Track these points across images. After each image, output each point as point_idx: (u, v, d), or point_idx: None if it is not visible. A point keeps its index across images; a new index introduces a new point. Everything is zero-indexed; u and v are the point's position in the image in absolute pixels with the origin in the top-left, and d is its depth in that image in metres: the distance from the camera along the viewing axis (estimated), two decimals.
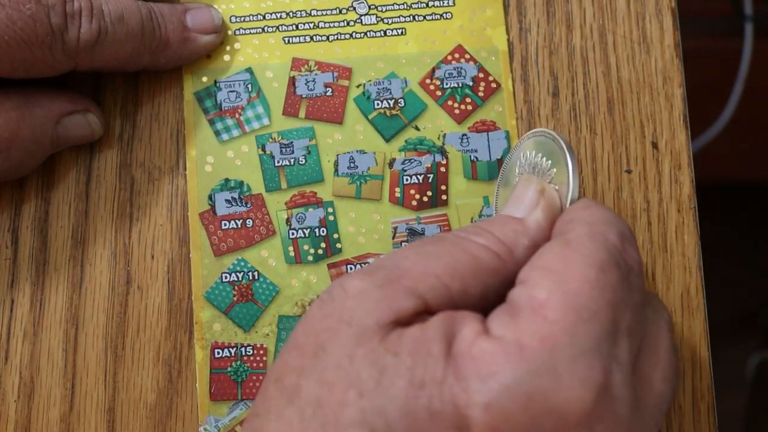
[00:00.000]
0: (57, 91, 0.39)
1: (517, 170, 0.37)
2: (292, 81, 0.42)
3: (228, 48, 0.42)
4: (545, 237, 0.32)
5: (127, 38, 0.37)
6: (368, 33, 0.42)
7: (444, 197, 0.41)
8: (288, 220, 0.41)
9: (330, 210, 0.41)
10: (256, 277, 0.40)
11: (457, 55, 0.42)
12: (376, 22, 0.42)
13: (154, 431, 0.39)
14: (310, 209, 0.41)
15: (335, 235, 0.41)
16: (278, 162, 0.41)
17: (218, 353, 0.39)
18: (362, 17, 0.42)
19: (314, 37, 0.42)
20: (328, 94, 0.42)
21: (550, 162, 0.35)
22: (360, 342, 0.28)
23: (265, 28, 0.42)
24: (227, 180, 0.41)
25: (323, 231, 0.41)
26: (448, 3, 0.43)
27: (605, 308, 0.28)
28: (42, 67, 0.36)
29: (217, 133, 0.41)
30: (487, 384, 0.26)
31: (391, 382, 0.27)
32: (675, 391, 0.30)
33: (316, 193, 0.41)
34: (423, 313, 0.29)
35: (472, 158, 0.41)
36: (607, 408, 0.27)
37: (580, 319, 0.27)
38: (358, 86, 0.42)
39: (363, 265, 0.40)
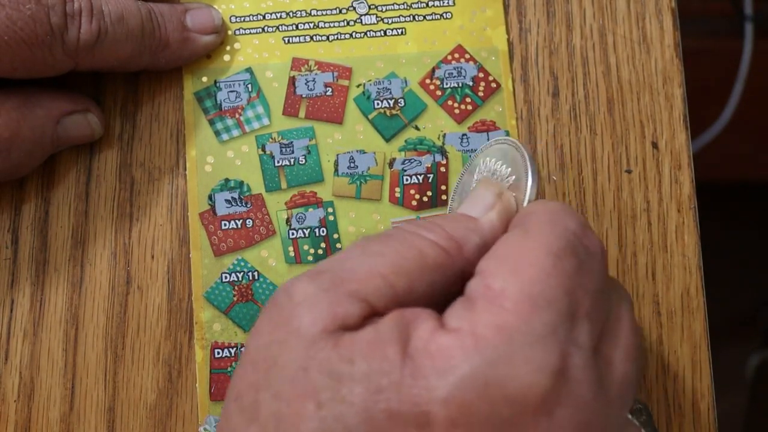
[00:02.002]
0: (57, 91, 0.39)
1: (475, 176, 0.37)
2: (292, 81, 0.42)
3: (228, 48, 0.42)
4: (497, 238, 0.31)
5: (127, 38, 0.37)
6: (368, 33, 0.42)
7: (444, 197, 0.41)
8: (288, 220, 0.41)
9: (330, 210, 0.41)
10: (256, 277, 0.40)
11: (457, 55, 0.42)
12: (376, 21, 0.42)
13: (154, 431, 0.39)
14: (310, 209, 0.41)
15: (335, 235, 0.41)
16: (278, 162, 0.41)
17: (218, 353, 0.39)
18: (362, 17, 0.42)
19: (314, 37, 0.42)
20: (328, 93, 0.42)
21: (509, 170, 0.35)
22: (311, 351, 0.27)
23: (265, 28, 0.42)
24: (227, 180, 0.41)
25: (323, 231, 0.41)
26: (448, 3, 0.43)
27: (562, 294, 0.28)
28: (42, 67, 0.36)
29: (217, 133, 0.41)
30: (444, 378, 0.26)
31: (348, 390, 0.27)
32: (641, 370, 0.30)
33: (316, 193, 0.41)
34: (371, 315, 0.29)
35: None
36: (567, 392, 0.27)
37: (536, 306, 0.27)
38: (358, 86, 0.42)
39: None
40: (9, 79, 0.36)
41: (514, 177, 0.34)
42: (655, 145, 0.41)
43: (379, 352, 0.27)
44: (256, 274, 0.40)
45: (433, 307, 0.29)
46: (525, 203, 0.33)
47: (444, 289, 0.30)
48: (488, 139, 0.41)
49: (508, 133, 0.41)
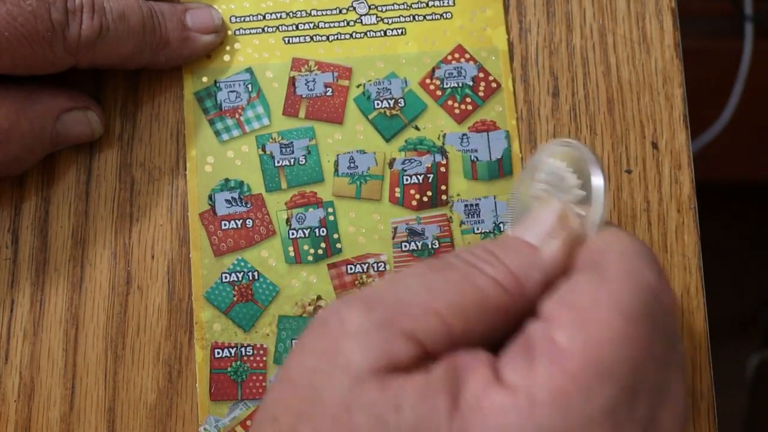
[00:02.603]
0: (57, 88, 0.39)
1: (541, 175, 0.33)
2: (292, 81, 0.42)
3: (228, 48, 0.42)
4: (560, 271, 0.29)
5: (128, 36, 0.37)
6: (368, 33, 0.42)
7: (444, 197, 0.41)
8: (288, 220, 0.41)
9: (330, 210, 0.41)
10: (256, 277, 0.40)
11: (457, 55, 0.42)
12: (376, 22, 0.42)
13: (154, 431, 0.39)
14: (310, 209, 0.41)
15: (335, 235, 0.41)
16: (278, 162, 0.41)
17: (218, 353, 0.39)
18: (362, 17, 0.42)
19: (314, 37, 0.42)
20: (328, 94, 0.42)
21: (576, 178, 0.31)
22: (357, 390, 0.26)
23: (265, 28, 0.42)
24: (227, 180, 0.41)
25: (323, 231, 0.41)
26: (448, 3, 0.43)
27: (628, 366, 0.26)
28: (42, 63, 0.36)
29: (217, 133, 0.41)
30: None
31: None
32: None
33: (316, 193, 0.41)
34: (423, 356, 0.27)
35: (472, 158, 0.41)
36: None
37: (600, 377, 0.25)
38: (358, 86, 0.42)
39: (363, 265, 0.40)
40: (9, 75, 0.36)
41: (581, 190, 0.31)
42: (655, 145, 0.41)
43: (428, 402, 0.26)
44: (256, 274, 0.40)
45: (488, 344, 0.28)
46: (594, 227, 0.30)
47: (501, 328, 0.28)
48: (488, 139, 0.41)
49: (507, 135, 0.41)
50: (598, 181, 0.30)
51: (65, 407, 0.39)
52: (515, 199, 0.34)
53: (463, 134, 0.42)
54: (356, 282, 0.40)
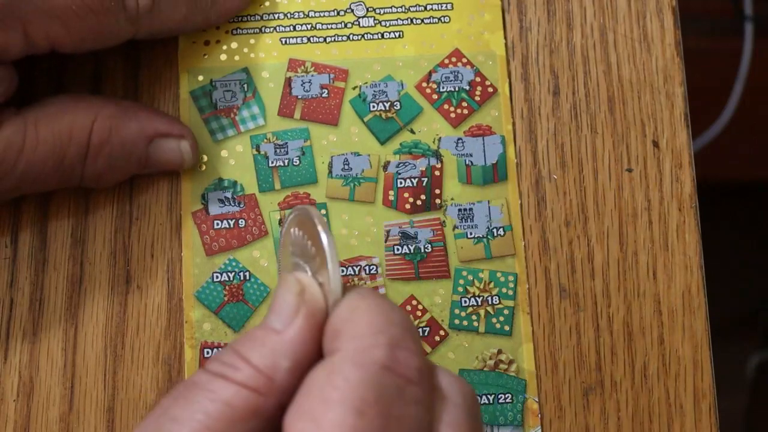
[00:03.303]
0: (157, 111, 0.39)
1: (290, 248, 0.32)
2: (288, 82, 0.42)
3: (225, 48, 0.42)
4: (310, 350, 0.28)
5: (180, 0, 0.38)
6: (365, 35, 0.42)
7: (438, 201, 0.41)
8: (281, 221, 0.41)
9: (323, 212, 0.41)
10: (248, 278, 0.40)
11: (454, 59, 0.42)
12: (373, 24, 0.42)
13: None
14: None
15: None
16: (272, 162, 0.41)
17: (208, 353, 0.39)
18: (360, 19, 0.42)
19: (311, 39, 0.42)
20: (324, 95, 0.42)
21: (313, 248, 0.30)
22: None
23: (263, 29, 0.42)
24: (221, 179, 0.41)
25: None
26: (446, 7, 0.42)
27: None
28: (107, 35, 0.36)
29: (212, 133, 0.41)
30: None
31: None
32: None
33: (309, 195, 0.41)
34: None
35: (466, 162, 0.41)
36: None
37: None
38: (354, 88, 0.42)
39: (354, 267, 0.40)
40: (75, 54, 0.37)
41: (318, 258, 0.29)
42: (655, 144, 0.41)
43: None
44: (247, 274, 0.40)
45: None
46: (333, 295, 0.29)
47: (267, 428, 0.28)
48: (483, 144, 0.41)
49: (503, 140, 0.41)
50: (328, 248, 0.29)
51: (64, 407, 0.39)
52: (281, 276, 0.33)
53: (459, 138, 0.42)
54: (348, 284, 0.40)
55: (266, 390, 0.27)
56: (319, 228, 0.29)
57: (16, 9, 0.33)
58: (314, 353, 0.28)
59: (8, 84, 0.36)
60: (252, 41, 0.42)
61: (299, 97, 0.42)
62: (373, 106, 0.42)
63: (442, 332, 0.40)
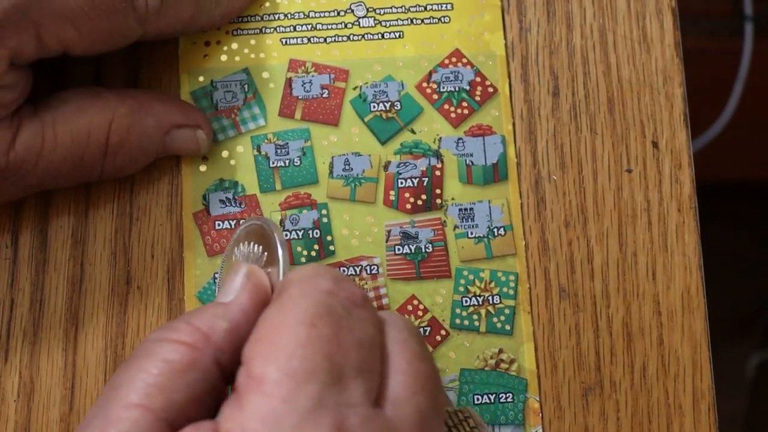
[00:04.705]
0: (171, 101, 0.40)
1: (236, 256, 0.36)
2: (289, 82, 0.42)
3: (225, 48, 0.42)
4: (250, 318, 0.30)
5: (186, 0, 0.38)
6: (366, 36, 0.42)
7: (438, 201, 0.41)
8: (282, 222, 0.41)
9: (324, 212, 0.41)
10: None
11: (454, 59, 0.42)
12: (374, 24, 0.42)
13: None
14: (304, 211, 0.41)
15: (329, 237, 0.41)
16: (273, 163, 0.41)
17: None
18: (360, 20, 0.42)
19: (312, 39, 0.42)
20: (325, 95, 0.42)
21: (261, 247, 0.33)
22: None
23: (263, 29, 0.42)
24: (222, 180, 0.41)
25: (317, 233, 0.41)
26: (446, 7, 0.43)
27: (321, 361, 0.27)
28: (117, 36, 0.36)
29: (213, 133, 0.41)
30: None
31: None
32: (436, 395, 0.29)
33: (310, 195, 0.41)
34: None
35: (467, 162, 0.41)
36: None
37: (297, 383, 0.27)
38: (354, 88, 0.42)
39: (355, 267, 0.40)
40: (84, 56, 0.37)
41: (266, 253, 0.33)
42: (655, 145, 0.41)
43: None
44: None
45: (211, 409, 0.29)
46: (280, 277, 0.32)
47: (210, 385, 0.29)
48: (484, 144, 0.41)
49: (503, 139, 0.41)
50: (277, 237, 0.32)
51: (65, 407, 0.39)
52: (219, 281, 0.36)
53: (459, 138, 0.42)
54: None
55: (203, 345, 0.29)
56: (270, 225, 0.33)
57: (30, 12, 0.33)
58: (255, 323, 0.30)
59: (24, 87, 0.36)
60: (252, 42, 0.42)
61: (300, 97, 0.42)
62: (374, 107, 0.42)
63: (443, 332, 0.40)
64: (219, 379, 0.29)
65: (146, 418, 0.28)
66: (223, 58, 0.42)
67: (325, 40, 0.42)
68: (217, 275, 0.40)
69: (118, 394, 0.28)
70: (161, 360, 0.29)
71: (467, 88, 0.42)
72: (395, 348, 0.30)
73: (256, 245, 0.34)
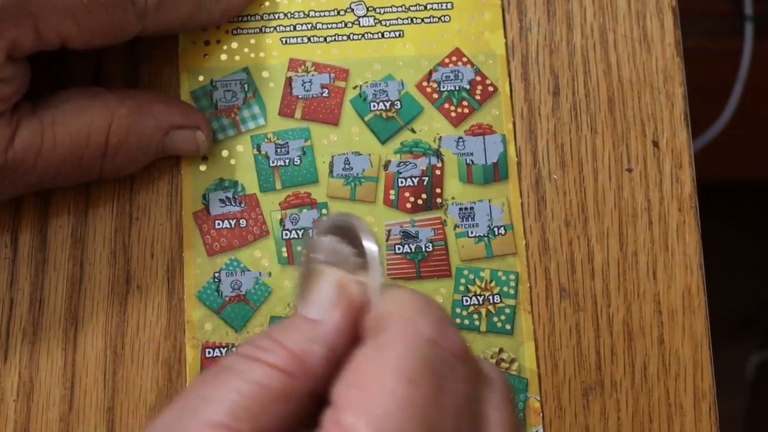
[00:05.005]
0: (171, 101, 0.40)
1: (319, 255, 0.33)
2: (289, 81, 0.42)
3: (225, 48, 0.42)
4: (345, 341, 0.29)
5: None
6: (366, 35, 0.42)
7: (439, 200, 0.41)
8: (282, 221, 0.41)
9: (324, 211, 0.41)
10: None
11: (454, 59, 0.42)
12: (374, 24, 0.42)
13: None
14: (304, 210, 0.41)
15: None
16: (273, 162, 0.41)
17: (209, 353, 0.39)
18: (360, 19, 0.42)
19: (312, 38, 0.42)
20: (325, 95, 0.42)
21: (351, 249, 0.31)
22: None
23: (263, 29, 0.42)
24: (221, 179, 0.41)
25: None
26: (446, 6, 0.42)
27: (417, 427, 0.26)
28: (116, 31, 0.36)
29: (213, 133, 0.41)
30: None
31: None
32: None
33: (310, 194, 0.41)
34: None
35: (467, 161, 0.41)
36: None
37: None
38: (354, 88, 0.42)
39: None
40: (81, 51, 0.37)
41: (357, 257, 0.30)
42: (655, 144, 0.41)
43: None
44: (248, 274, 0.40)
45: (292, 428, 0.27)
46: (374, 292, 0.29)
47: (299, 412, 0.28)
48: (484, 143, 0.41)
49: (503, 139, 0.41)
50: (371, 246, 0.30)
51: (64, 407, 0.39)
52: (300, 283, 0.34)
53: (459, 137, 0.42)
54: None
55: (299, 373, 0.27)
56: (366, 232, 0.30)
57: (28, 4, 0.33)
58: (349, 345, 0.28)
59: (22, 80, 0.36)
60: (252, 41, 0.42)
61: (300, 96, 0.42)
62: (374, 106, 0.42)
63: None
64: (311, 410, 0.28)
65: None
66: (223, 57, 0.42)
67: (325, 39, 0.42)
68: (217, 274, 0.40)
69: (204, 408, 0.27)
70: (254, 383, 0.27)
71: (467, 87, 0.42)
72: (492, 412, 0.28)
73: (341, 242, 0.31)
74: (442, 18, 0.42)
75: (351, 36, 0.42)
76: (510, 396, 0.30)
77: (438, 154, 0.41)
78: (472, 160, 0.41)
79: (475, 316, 0.40)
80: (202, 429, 0.26)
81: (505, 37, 0.42)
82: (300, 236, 0.40)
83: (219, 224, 0.40)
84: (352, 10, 0.42)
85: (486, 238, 0.41)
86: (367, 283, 0.30)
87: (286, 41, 0.42)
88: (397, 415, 0.26)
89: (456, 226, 0.41)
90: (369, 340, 0.28)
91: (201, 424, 0.26)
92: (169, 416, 0.27)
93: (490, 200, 0.41)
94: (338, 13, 0.42)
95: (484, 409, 0.28)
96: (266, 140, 0.41)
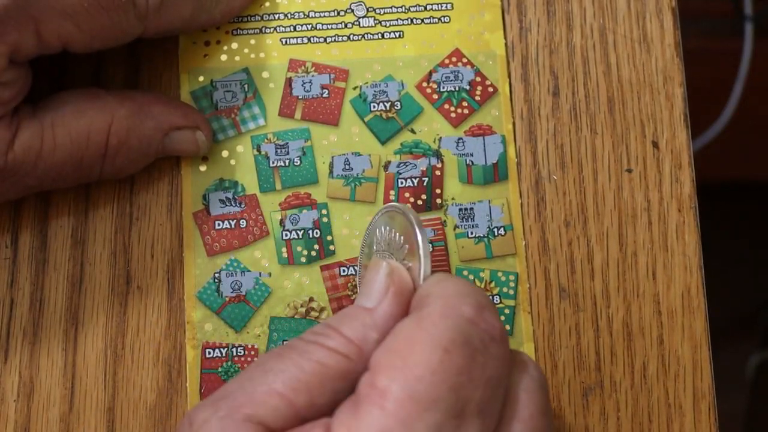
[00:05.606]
0: (170, 102, 0.40)
1: (375, 247, 0.36)
2: (289, 82, 0.42)
3: (225, 48, 0.42)
4: (396, 322, 0.31)
5: None
6: (366, 35, 0.42)
7: (438, 201, 0.41)
8: (282, 221, 0.41)
9: (324, 212, 0.41)
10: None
11: (454, 59, 0.42)
12: (373, 24, 0.42)
13: (154, 431, 0.39)
14: (304, 211, 0.41)
15: (329, 237, 0.41)
16: (273, 163, 0.41)
17: (209, 353, 0.39)
18: (360, 19, 0.42)
19: (312, 39, 0.42)
20: (325, 95, 0.42)
21: (402, 238, 0.33)
22: None
23: (263, 29, 0.42)
24: (221, 180, 0.41)
25: (317, 233, 0.41)
26: (446, 7, 0.43)
27: (447, 393, 0.27)
28: (117, 33, 0.36)
29: (213, 133, 0.41)
30: None
31: None
32: None
33: (310, 195, 0.41)
34: None
35: (467, 162, 0.41)
36: None
37: (418, 409, 0.27)
38: (354, 88, 0.42)
39: (355, 267, 0.40)
40: (82, 53, 0.37)
41: (407, 246, 0.33)
42: (655, 145, 0.41)
43: None
44: (248, 274, 0.40)
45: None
46: (421, 277, 0.32)
47: (351, 391, 0.30)
48: (484, 144, 0.41)
49: (503, 139, 0.41)
50: (421, 236, 0.32)
51: (65, 407, 0.39)
52: (360, 275, 0.36)
53: (459, 138, 0.42)
54: (349, 284, 0.40)
55: (356, 357, 0.30)
56: (412, 218, 0.32)
57: (29, 8, 0.33)
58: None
59: (23, 84, 0.36)
60: (252, 41, 0.42)
61: (300, 97, 0.42)
62: (374, 106, 0.42)
63: None
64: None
65: (286, 410, 0.29)
66: (223, 57, 0.42)
67: (325, 39, 0.42)
68: (217, 275, 0.40)
69: (266, 377, 0.29)
70: (315, 361, 0.29)
71: (467, 87, 0.42)
72: (522, 396, 0.30)
73: (396, 233, 0.34)
74: (442, 18, 0.42)
75: (351, 36, 0.42)
76: (545, 386, 0.31)
77: (438, 155, 0.41)
78: (471, 161, 0.41)
79: None
80: (262, 396, 0.29)
81: (505, 37, 0.42)
82: (300, 237, 0.40)
83: (219, 225, 0.40)
84: (352, 10, 0.42)
85: (486, 239, 0.41)
86: (415, 270, 0.32)
87: (286, 42, 0.42)
88: (428, 379, 0.27)
89: (456, 227, 0.41)
90: (410, 315, 0.30)
91: (261, 392, 0.29)
92: (235, 383, 0.30)
93: (489, 201, 0.41)
94: (338, 13, 0.42)
95: (516, 391, 0.30)
96: (266, 141, 0.41)
